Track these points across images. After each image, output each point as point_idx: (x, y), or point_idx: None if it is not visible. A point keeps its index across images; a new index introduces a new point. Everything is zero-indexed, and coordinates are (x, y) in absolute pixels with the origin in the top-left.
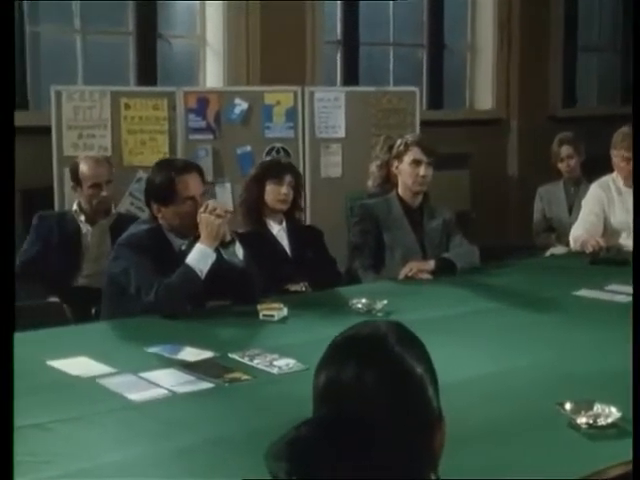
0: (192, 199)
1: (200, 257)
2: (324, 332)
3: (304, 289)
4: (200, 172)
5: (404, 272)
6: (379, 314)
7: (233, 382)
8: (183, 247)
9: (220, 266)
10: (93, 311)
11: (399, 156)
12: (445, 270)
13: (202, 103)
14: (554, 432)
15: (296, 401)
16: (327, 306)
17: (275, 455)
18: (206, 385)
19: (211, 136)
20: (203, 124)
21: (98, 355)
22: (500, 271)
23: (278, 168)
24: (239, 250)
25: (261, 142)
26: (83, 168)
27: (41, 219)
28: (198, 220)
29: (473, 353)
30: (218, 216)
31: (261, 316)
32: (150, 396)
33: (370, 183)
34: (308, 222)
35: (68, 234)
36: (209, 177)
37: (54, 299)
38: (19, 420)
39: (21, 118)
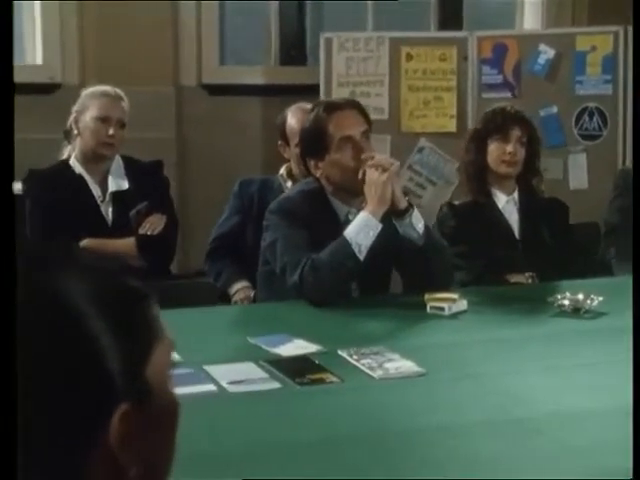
0: (350, 140)
1: (360, 228)
2: (495, 333)
3: (530, 281)
4: (359, 108)
5: None
6: (586, 315)
7: (312, 384)
8: (350, 216)
9: (391, 241)
10: (252, 294)
11: None
12: None
13: (499, 51)
14: None
15: (368, 412)
16: (526, 301)
17: None
18: (271, 385)
19: (509, 94)
20: (499, 78)
21: (186, 342)
22: None
23: (502, 120)
24: (419, 221)
25: (570, 101)
26: (291, 122)
27: (242, 186)
28: (360, 176)
29: None
30: (383, 170)
31: (429, 308)
32: (191, 392)
33: None
34: None
35: None
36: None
37: (242, 284)
38: None
39: (297, 75)
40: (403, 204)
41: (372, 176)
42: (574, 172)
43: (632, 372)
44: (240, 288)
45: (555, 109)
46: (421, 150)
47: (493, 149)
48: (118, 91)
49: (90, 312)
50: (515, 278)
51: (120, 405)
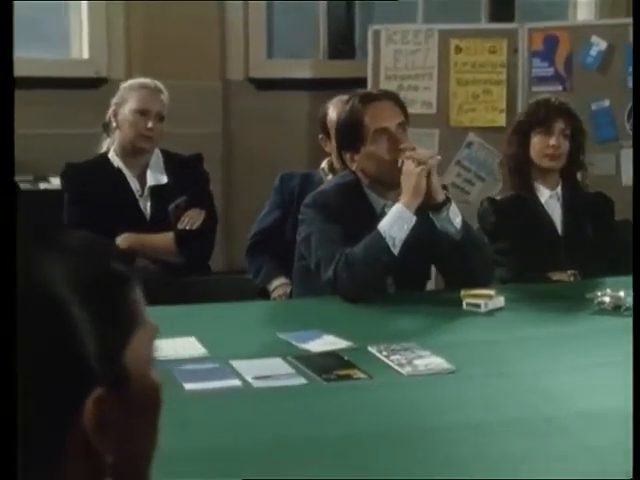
0: (386, 132)
1: (394, 221)
2: (531, 331)
3: (572, 279)
4: (395, 99)
5: None
6: (627, 312)
7: (338, 380)
8: (387, 209)
9: (428, 236)
10: (288, 291)
11: None
12: None
13: (550, 43)
14: None
15: (395, 409)
16: (565, 298)
17: None
18: (297, 381)
19: (559, 87)
20: (550, 71)
21: (213, 336)
22: None
23: (545, 112)
24: (456, 216)
25: (623, 94)
26: (332, 115)
27: (283, 180)
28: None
29: None
30: (418, 163)
31: (464, 305)
32: (215, 387)
33: None
34: None
35: None
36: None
37: (281, 280)
38: None
39: (345, 68)
40: (440, 197)
41: (408, 167)
42: (626, 167)
43: (632, 373)
44: (279, 284)
45: (607, 103)
46: (470, 145)
47: (536, 142)
48: (158, 84)
49: (68, 293)
50: (557, 276)
51: (95, 389)
